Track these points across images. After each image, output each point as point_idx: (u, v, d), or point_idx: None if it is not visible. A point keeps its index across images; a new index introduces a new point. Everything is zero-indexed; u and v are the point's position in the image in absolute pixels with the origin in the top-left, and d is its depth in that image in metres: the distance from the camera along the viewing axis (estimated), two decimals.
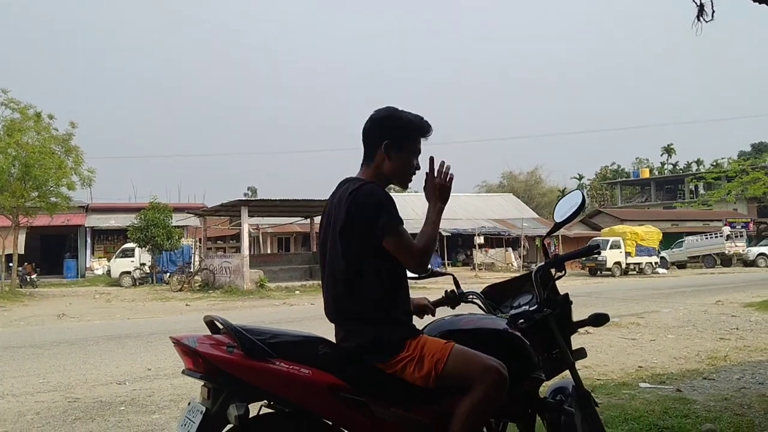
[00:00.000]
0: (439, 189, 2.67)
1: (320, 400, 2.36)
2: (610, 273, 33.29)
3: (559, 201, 3.19)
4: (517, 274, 3.35)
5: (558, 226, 3.08)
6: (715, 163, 72.72)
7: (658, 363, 7.94)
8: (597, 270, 33.77)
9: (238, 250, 32.71)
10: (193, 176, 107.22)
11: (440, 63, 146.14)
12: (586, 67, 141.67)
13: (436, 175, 2.69)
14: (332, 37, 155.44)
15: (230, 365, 2.27)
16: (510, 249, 42.05)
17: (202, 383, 2.36)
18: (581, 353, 3.05)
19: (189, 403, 2.38)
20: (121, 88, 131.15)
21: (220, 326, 2.44)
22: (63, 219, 31.17)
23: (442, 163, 2.71)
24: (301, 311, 16.74)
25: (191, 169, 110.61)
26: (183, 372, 2.42)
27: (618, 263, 33.78)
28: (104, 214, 40.04)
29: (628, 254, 34.44)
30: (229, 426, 2.31)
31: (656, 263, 35.96)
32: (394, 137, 2.68)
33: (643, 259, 35.22)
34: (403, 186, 2.80)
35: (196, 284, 26.85)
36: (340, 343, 2.60)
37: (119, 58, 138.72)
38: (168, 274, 31.05)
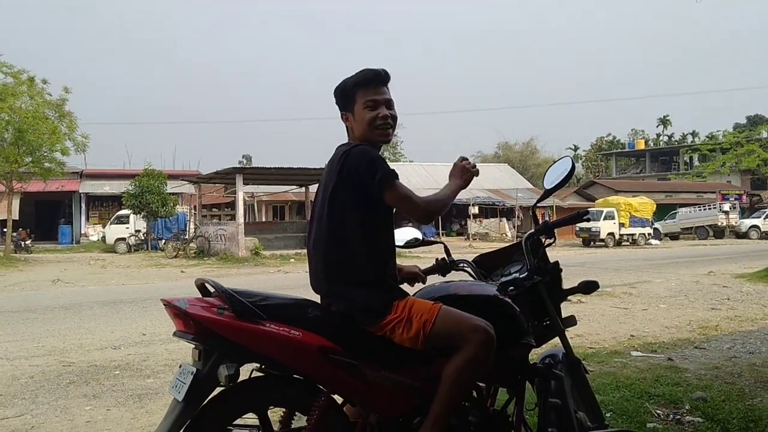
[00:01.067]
0: (462, 170, 2.80)
1: (311, 362, 2.36)
2: (603, 244, 33.42)
3: (548, 168, 3.15)
4: (509, 244, 3.34)
5: (548, 192, 3.06)
6: (710, 135, 72.69)
7: (649, 332, 8.00)
8: (590, 241, 33.90)
9: (233, 217, 32.64)
10: (188, 143, 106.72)
11: (439, 34, 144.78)
12: (583, 37, 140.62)
13: (466, 162, 2.83)
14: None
15: (221, 326, 2.27)
16: (504, 219, 42.10)
17: (194, 345, 2.35)
18: (571, 321, 3.05)
19: (180, 366, 2.38)
20: (117, 54, 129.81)
21: (212, 289, 2.43)
22: (57, 185, 31.06)
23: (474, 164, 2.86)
24: (296, 278, 16.78)
25: (186, 136, 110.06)
26: (174, 334, 2.42)
27: (611, 234, 33.90)
28: (98, 180, 39.87)
29: (621, 225, 34.56)
30: (219, 388, 2.32)
31: (649, 234, 36.10)
32: (342, 105, 2.78)
33: (637, 230, 35.34)
34: (384, 140, 2.76)
35: (191, 251, 26.83)
36: (329, 307, 2.60)
37: (114, 22, 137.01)
38: (163, 241, 31.03)
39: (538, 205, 3.39)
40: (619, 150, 79.50)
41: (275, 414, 2.61)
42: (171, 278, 17.97)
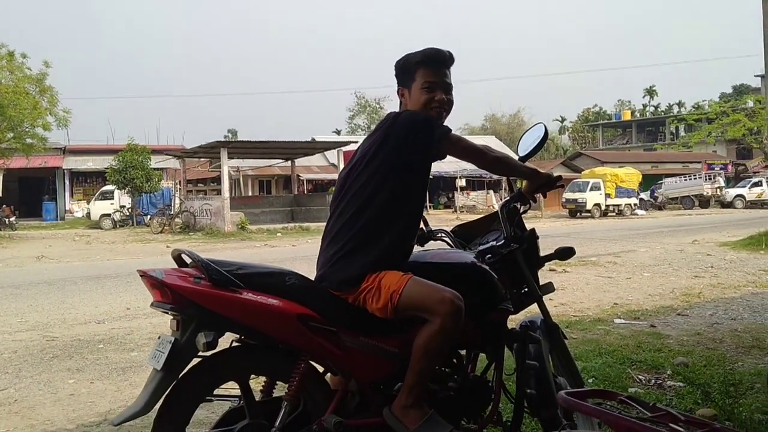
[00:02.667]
0: (548, 181, 2.82)
1: (290, 330, 2.37)
2: (589, 215, 33.60)
3: (522, 135, 3.13)
4: (486, 214, 3.37)
5: (522, 160, 3.02)
6: (696, 105, 72.84)
7: (633, 300, 8.06)
8: (577, 212, 34.06)
9: (218, 192, 32.51)
10: (172, 118, 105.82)
11: (426, 6, 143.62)
12: (569, 7, 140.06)
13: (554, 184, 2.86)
14: None
15: (197, 295, 2.27)
16: (491, 191, 42.18)
17: (171, 316, 2.34)
18: (549, 287, 3.06)
19: (159, 337, 2.37)
20: (98, 27, 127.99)
21: (188, 260, 2.43)
22: (40, 161, 30.75)
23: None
24: (282, 252, 16.78)
25: (170, 110, 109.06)
26: (152, 305, 2.40)
27: (597, 205, 34.10)
28: (82, 156, 39.47)
29: (608, 196, 34.73)
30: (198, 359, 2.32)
31: (635, 205, 36.33)
32: (400, 80, 2.81)
33: (623, 201, 35.55)
34: None
35: (177, 226, 26.72)
36: (318, 268, 2.65)
37: None
38: (148, 216, 30.84)
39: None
40: (606, 121, 79.53)
41: (256, 383, 2.61)
42: (156, 253, 17.89)
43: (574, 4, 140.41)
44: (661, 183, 43.00)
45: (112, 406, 4.45)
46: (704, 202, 41.07)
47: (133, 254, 17.65)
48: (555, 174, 2.93)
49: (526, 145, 3.04)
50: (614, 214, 34.91)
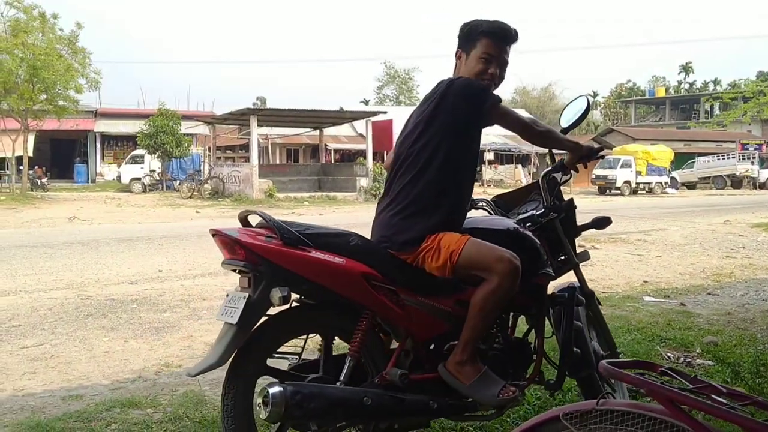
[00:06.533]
0: (589, 151, 2.94)
1: (355, 287, 2.49)
2: (619, 192, 33.26)
3: (565, 107, 3.23)
4: (525, 185, 3.50)
5: (564, 131, 3.10)
6: (732, 84, 71.27)
7: (663, 278, 8.01)
8: (606, 189, 33.72)
9: (246, 159, 32.63)
10: (202, 84, 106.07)
11: None
12: None
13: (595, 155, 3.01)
14: None
15: (270, 253, 2.37)
16: (519, 166, 41.89)
17: (242, 273, 2.45)
18: (585, 255, 3.19)
19: (227, 295, 2.47)
20: None
21: (254, 222, 2.56)
22: (72, 123, 30.94)
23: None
24: (310, 221, 16.85)
25: (200, 77, 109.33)
26: (223, 263, 2.50)
27: (628, 182, 33.70)
28: (113, 120, 39.73)
29: (638, 174, 34.29)
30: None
31: (666, 183, 35.83)
32: (462, 44, 2.87)
33: (654, 179, 35.09)
34: None
35: (206, 192, 26.96)
36: (375, 229, 2.78)
37: None
38: (177, 181, 31.11)
39: None
40: (639, 97, 78.22)
41: (312, 342, 2.74)
42: (186, 218, 18.11)
43: None
44: (693, 162, 42.32)
45: (145, 364, 4.54)
46: (737, 182, 40.41)
47: (163, 218, 17.87)
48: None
49: (568, 116, 3.13)
50: (644, 192, 34.51)
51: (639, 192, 34.28)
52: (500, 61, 2.82)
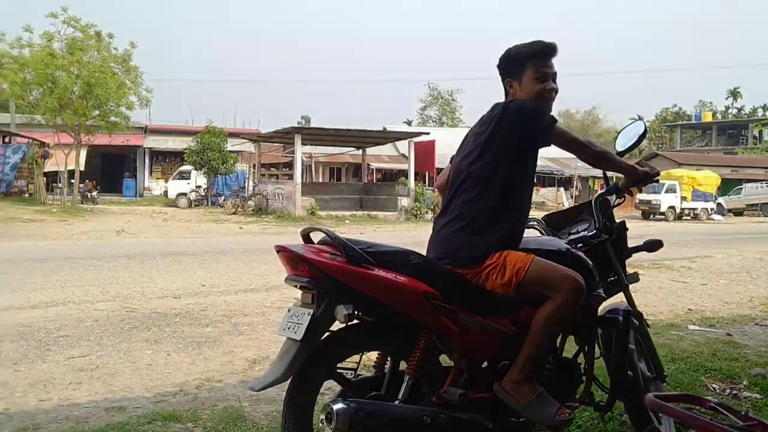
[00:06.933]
0: (644, 176, 3.00)
1: (416, 306, 2.51)
2: (663, 217, 32.61)
3: (621, 131, 3.27)
4: (576, 204, 3.54)
5: (619, 155, 3.13)
6: None
7: (708, 307, 7.83)
8: (650, 214, 33.11)
9: (290, 177, 32.94)
10: (248, 102, 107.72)
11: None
12: (648, 5, 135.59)
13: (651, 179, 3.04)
14: None
15: (335, 270, 2.41)
16: (562, 188, 41.49)
17: (302, 290, 2.50)
18: (634, 277, 3.24)
19: (289, 310, 2.52)
20: (179, 11, 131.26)
21: (316, 239, 2.61)
22: (122, 139, 31.78)
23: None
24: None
25: (247, 95, 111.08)
26: (286, 279, 2.55)
27: (672, 208, 33.01)
28: (162, 136, 40.69)
29: (683, 199, 33.62)
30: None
31: (712, 209, 35.04)
32: (509, 72, 2.94)
33: (699, 205, 34.35)
34: (549, 111, 2.92)
35: (250, 208, 27.30)
36: (436, 245, 2.80)
37: None
38: (222, 197, 31.62)
39: None
40: (685, 122, 76.92)
41: (368, 360, 2.82)
42: (230, 233, 18.37)
43: (654, 3, 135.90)
44: (740, 188, 41.31)
45: (186, 377, 4.62)
46: None
47: (208, 233, 18.16)
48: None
49: (624, 141, 3.19)
50: (689, 218, 33.80)
51: (684, 218, 33.59)
52: (553, 75, 2.92)
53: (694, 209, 34.15)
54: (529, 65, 2.88)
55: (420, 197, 27.22)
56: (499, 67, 2.98)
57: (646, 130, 3.15)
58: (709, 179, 35.32)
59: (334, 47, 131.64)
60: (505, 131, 2.73)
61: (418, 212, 26.43)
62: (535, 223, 3.37)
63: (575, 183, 40.83)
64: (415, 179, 28.78)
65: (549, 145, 2.78)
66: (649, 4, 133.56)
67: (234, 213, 26.70)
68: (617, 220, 3.15)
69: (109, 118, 25.62)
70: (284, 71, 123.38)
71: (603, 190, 3.13)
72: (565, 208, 3.67)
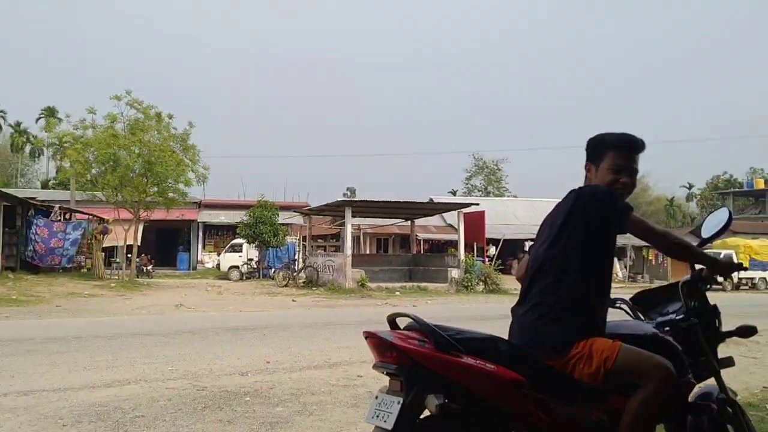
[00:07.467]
0: (725, 268, 3.04)
1: (504, 394, 2.49)
2: (720, 287, 31.75)
3: (706, 217, 3.33)
4: (669, 282, 3.56)
5: (704, 241, 3.21)
6: None
7: None
8: (708, 284, 32.24)
9: (338, 249, 33.28)
10: (297, 176, 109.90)
11: (539, 70, 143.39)
12: (696, 73, 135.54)
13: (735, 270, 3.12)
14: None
15: (424, 358, 2.42)
16: (615, 259, 40.82)
17: (390, 377, 2.50)
18: (729, 362, 3.15)
19: (377, 397, 2.51)
20: (228, 90, 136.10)
21: (402, 324, 2.63)
22: (178, 214, 32.71)
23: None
24: (405, 311, 16.89)
25: (296, 168, 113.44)
26: (374, 366, 2.57)
27: (730, 277, 32.18)
28: (215, 210, 41.78)
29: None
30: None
31: None
32: (591, 157, 3.00)
33: (757, 274, 33.45)
34: None
35: (301, 281, 27.58)
36: (517, 334, 2.78)
37: (220, 59, 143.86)
38: (273, 269, 32.04)
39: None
40: (737, 189, 75.57)
41: None
42: (284, 306, 18.53)
43: (704, 72, 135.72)
44: None
45: None
46: None
47: (262, 306, 18.36)
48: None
49: (709, 227, 3.21)
50: (747, 287, 32.88)
51: (741, 287, 32.69)
52: (630, 170, 2.93)
53: (752, 279, 33.27)
54: (609, 154, 2.92)
55: (470, 268, 27.14)
56: (586, 149, 3.04)
57: (731, 216, 3.16)
58: (765, 248, 34.57)
59: (376, 122, 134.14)
60: (579, 216, 2.75)
61: (469, 284, 26.31)
62: (622, 303, 3.34)
63: (629, 253, 40.19)
64: (465, 250, 28.77)
65: (624, 232, 2.77)
66: (697, 81, 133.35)
67: (285, 285, 26.99)
68: (715, 303, 3.14)
69: (167, 194, 26.50)
70: (331, 144, 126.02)
71: (689, 276, 3.11)
72: (653, 286, 3.67)
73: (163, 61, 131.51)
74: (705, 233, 3.23)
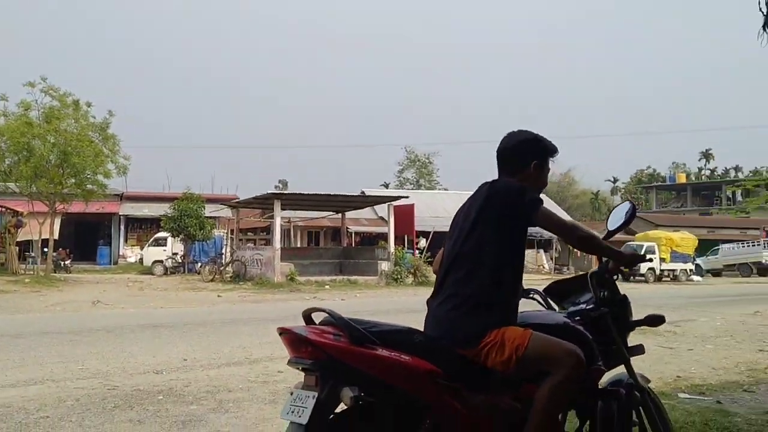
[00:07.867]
0: (632, 258, 3.11)
1: (420, 386, 2.49)
2: (643, 279, 32.83)
3: (612, 210, 3.48)
4: (581, 273, 3.64)
5: (610, 233, 3.34)
6: (754, 171, 71.40)
7: (696, 373, 7.80)
8: (630, 275, 33.30)
9: (267, 242, 32.88)
10: (226, 168, 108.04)
11: (476, 64, 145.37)
12: (625, 68, 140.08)
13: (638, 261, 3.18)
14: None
15: (339, 351, 2.40)
16: (542, 251, 41.72)
17: (305, 372, 2.48)
18: (639, 349, 3.29)
19: (291, 393, 2.48)
20: (155, 78, 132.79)
21: (317, 319, 2.61)
22: (97, 206, 31.65)
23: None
24: (331, 306, 16.77)
25: (224, 160, 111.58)
26: (288, 362, 2.53)
27: (652, 269, 33.27)
28: (138, 203, 40.54)
29: (662, 260, 33.96)
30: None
31: (691, 270, 35.43)
32: (541, 157, 3.09)
33: (678, 266, 34.73)
34: None
35: (228, 275, 27.08)
36: (431, 326, 2.81)
37: (151, 48, 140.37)
38: (199, 264, 31.37)
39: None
40: (660, 183, 78.48)
41: None
42: (208, 302, 18.15)
43: (628, 67, 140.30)
44: (717, 249, 41.94)
45: None
46: (763, 269, 39.76)
47: (185, 302, 17.92)
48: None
49: (614, 220, 3.33)
50: (669, 279, 34.11)
51: (663, 279, 33.89)
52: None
53: (673, 271, 34.52)
54: (548, 160, 3.14)
55: (400, 261, 27.20)
56: (532, 145, 3.10)
57: (635, 210, 3.31)
58: (686, 240, 35.86)
59: (309, 111, 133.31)
60: (492, 210, 2.81)
61: (399, 276, 26.34)
62: (535, 294, 3.40)
63: (555, 245, 41.12)
64: (395, 243, 28.82)
65: (534, 225, 2.83)
66: (621, 74, 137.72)
67: (212, 280, 26.43)
68: (625, 293, 3.23)
69: (86, 186, 25.56)
70: (261, 136, 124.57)
71: (597, 268, 3.20)
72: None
73: (72, 45, 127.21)
74: (610, 226, 3.35)
